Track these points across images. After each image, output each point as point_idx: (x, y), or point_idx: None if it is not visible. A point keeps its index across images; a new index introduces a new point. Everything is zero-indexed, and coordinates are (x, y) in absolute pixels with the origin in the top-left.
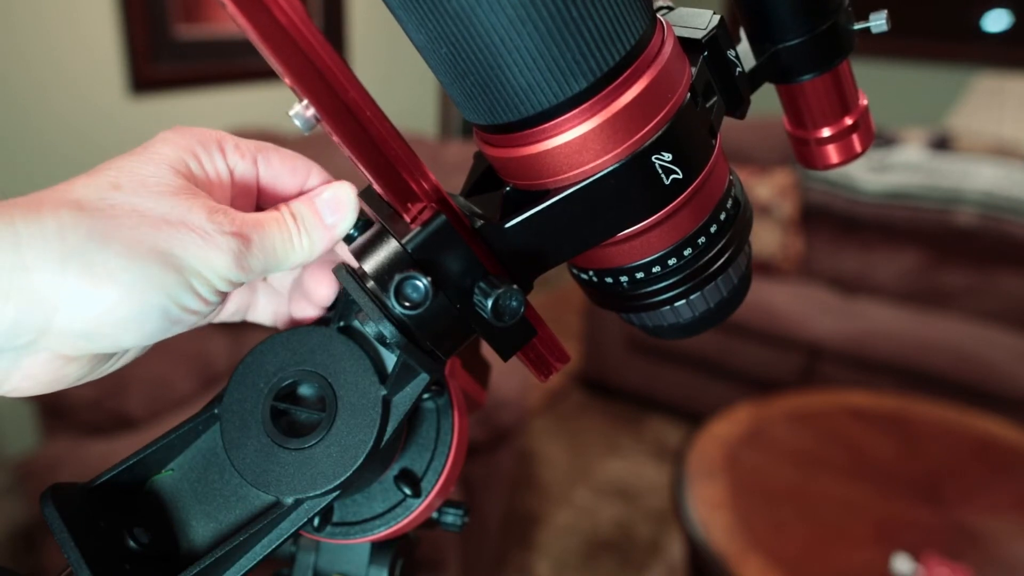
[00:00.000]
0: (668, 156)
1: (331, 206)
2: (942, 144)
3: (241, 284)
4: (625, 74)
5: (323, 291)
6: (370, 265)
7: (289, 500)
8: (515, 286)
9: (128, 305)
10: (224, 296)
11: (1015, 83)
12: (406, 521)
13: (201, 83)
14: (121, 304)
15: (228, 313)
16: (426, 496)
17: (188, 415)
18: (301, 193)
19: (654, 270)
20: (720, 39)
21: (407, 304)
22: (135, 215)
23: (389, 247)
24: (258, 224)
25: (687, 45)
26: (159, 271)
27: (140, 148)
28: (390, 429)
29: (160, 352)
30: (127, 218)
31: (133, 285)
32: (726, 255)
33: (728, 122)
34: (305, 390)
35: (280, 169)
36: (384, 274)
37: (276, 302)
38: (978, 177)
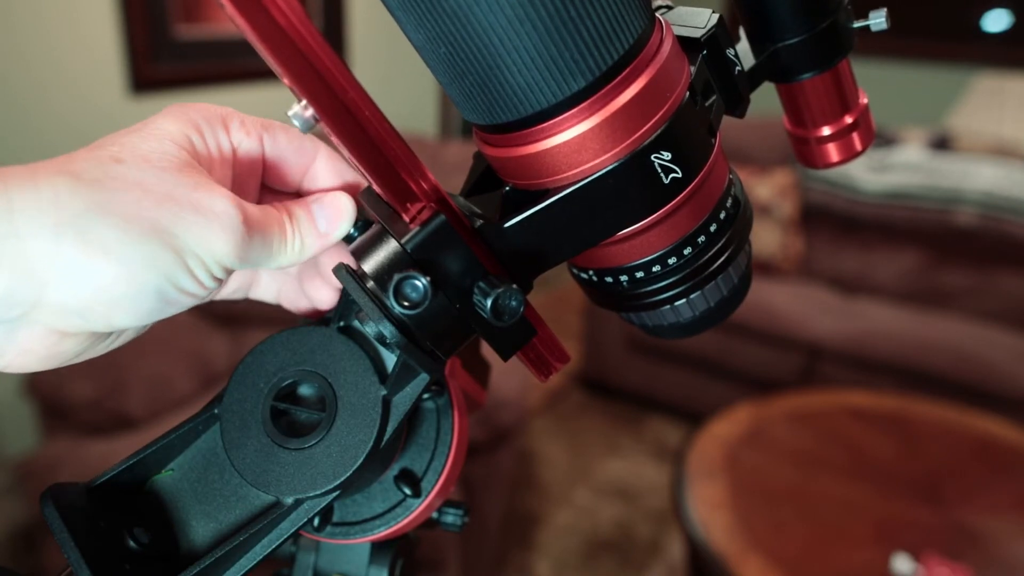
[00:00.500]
0: (667, 155)
1: (327, 215)
2: (942, 144)
3: (231, 272)
4: (624, 73)
5: None
6: (370, 265)
7: (289, 500)
8: (515, 286)
9: (123, 284)
10: (220, 282)
11: (1015, 83)
12: (406, 521)
13: (201, 83)
14: (116, 282)
15: (230, 290)
16: (426, 496)
17: (188, 415)
18: (306, 179)
19: (654, 269)
20: (719, 38)
21: (406, 304)
22: (138, 189)
23: (388, 247)
24: (261, 216)
25: (686, 44)
26: (157, 250)
27: (141, 124)
28: (390, 429)
29: (160, 352)
30: (129, 192)
31: (129, 262)
32: (726, 254)
33: (728, 121)
34: (305, 390)
35: (287, 148)
36: (383, 274)
37: (280, 280)
38: (978, 177)
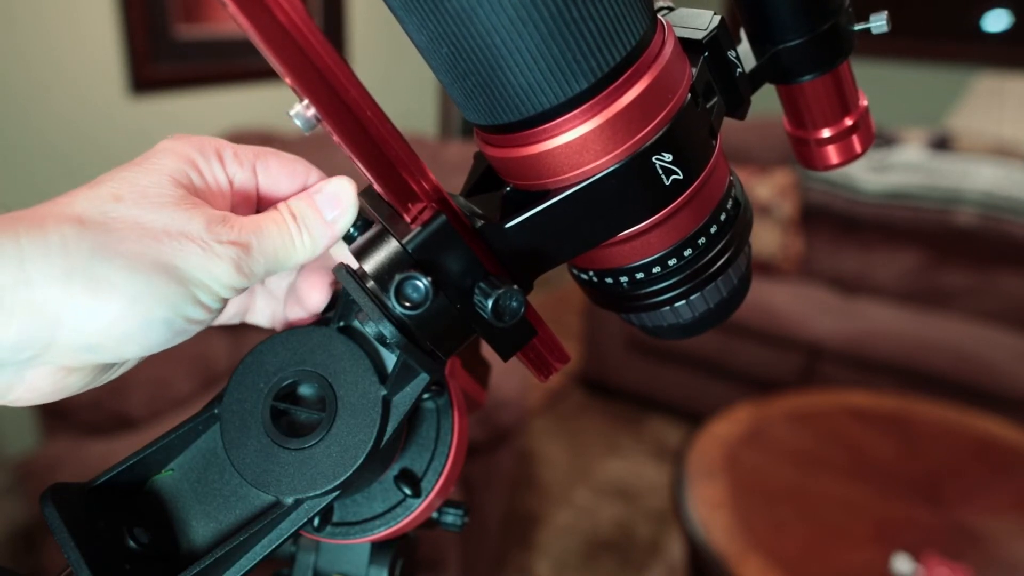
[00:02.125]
0: (668, 157)
1: (331, 202)
2: (942, 144)
3: (244, 289)
4: (626, 75)
5: (315, 296)
6: (370, 265)
7: (289, 500)
8: (515, 286)
9: (132, 319)
10: (227, 302)
11: (1015, 83)
12: (406, 521)
13: (201, 83)
14: (125, 318)
15: (228, 316)
16: (426, 496)
17: (188, 415)
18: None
19: (654, 270)
20: (721, 40)
21: (407, 304)
22: (137, 228)
23: (389, 247)
24: (257, 228)
25: (688, 46)
26: (162, 284)
27: (140, 158)
28: (390, 429)
29: (160, 353)
30: (129, 231)
31: (137, 299)
32: (726, 256)
33: (728, 122)
34: (305, 390)
35: (279, 175)
36: (384, 274)
37: (273, 305)
38: (978, 177)
